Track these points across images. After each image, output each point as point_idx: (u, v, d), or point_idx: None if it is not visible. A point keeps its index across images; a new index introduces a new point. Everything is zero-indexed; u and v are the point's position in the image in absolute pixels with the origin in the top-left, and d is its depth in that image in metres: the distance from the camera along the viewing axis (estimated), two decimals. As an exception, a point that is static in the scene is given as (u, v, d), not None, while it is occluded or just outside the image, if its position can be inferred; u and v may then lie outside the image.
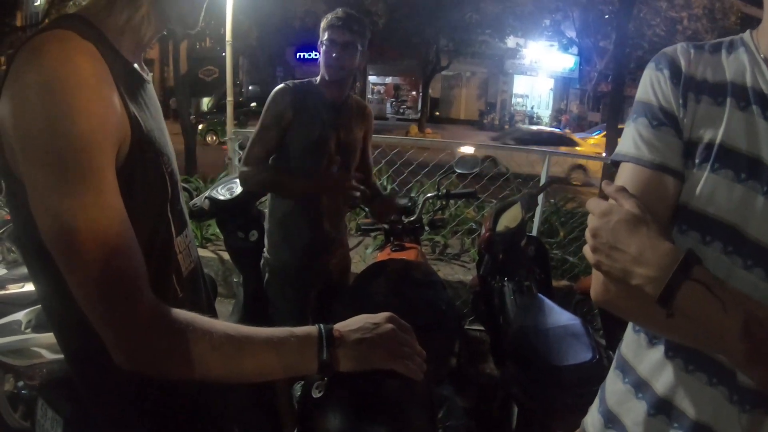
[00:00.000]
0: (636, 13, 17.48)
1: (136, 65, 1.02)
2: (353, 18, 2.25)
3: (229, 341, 0.90)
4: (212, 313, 1.36)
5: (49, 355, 2.39)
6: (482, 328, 3.65)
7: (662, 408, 0.90)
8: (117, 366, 0.87)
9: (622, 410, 0.98)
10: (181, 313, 0.89)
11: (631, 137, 0.92)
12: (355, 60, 2.27)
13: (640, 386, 0.95)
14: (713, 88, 0.87)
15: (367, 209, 2.85)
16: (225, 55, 6.46)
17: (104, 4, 0.94)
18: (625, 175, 0.90)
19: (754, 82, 0.85)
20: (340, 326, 0.96)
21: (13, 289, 3.11)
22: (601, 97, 27.01)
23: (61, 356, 2.38)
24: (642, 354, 0.96)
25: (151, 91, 1.07)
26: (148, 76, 1.07)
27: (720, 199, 0.83)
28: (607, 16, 19.23)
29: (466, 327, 3.98)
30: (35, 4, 26.12)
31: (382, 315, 0.99)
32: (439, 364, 1.89)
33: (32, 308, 2.67)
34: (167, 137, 1.07)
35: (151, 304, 0.86)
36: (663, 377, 0.91)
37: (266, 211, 2.51)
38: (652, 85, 0.92)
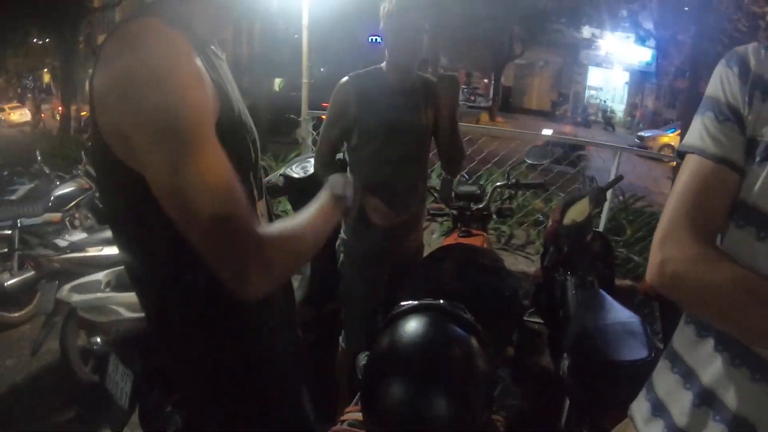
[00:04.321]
0: (717, 5, 16.59)
1: (217, 47, 1.12)
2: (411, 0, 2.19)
3: (310, 226, 1.13)
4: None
5: (126, 313, 2.53)
6: (541, 320, 3.65)
7: (707, 399, 0.93)
8: (193, 324, 0.99)
9: (670, 399, 1.01)
10: (275, 227, 1.06)
11: (698, 130, 0.94)
12: (421, 42, 2.23)
13: (688, 376, 0.98)
14: None
15: (436, 194, 2.89)
16: (297, 37, 6.59)
17: None
18: (689, 166, 0.93)
19: None
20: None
21: (92, 252, 3.31)
22: (678, 94, 25.91)
23: (136, 315, 2.52)
24: (692, 346, 0.99)
25: (227, 69, 1.15)
26: (223, 55, 1.16)
27: None
28: (686, 9, 18.27)
29: (525, 319, 3.99)
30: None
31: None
32: (501, 346, 1.92)
33: (112, 269, 2.84)
34: (246, 110, 1.16)
35: (260, 231, 0.97)
36: (710, 369, 0.93)
37: None
38: (721, 81, 0.94)
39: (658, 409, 1.03)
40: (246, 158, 1.10)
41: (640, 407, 1.10)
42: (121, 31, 0.93)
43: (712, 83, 0.95)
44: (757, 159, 0.88)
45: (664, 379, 1.05)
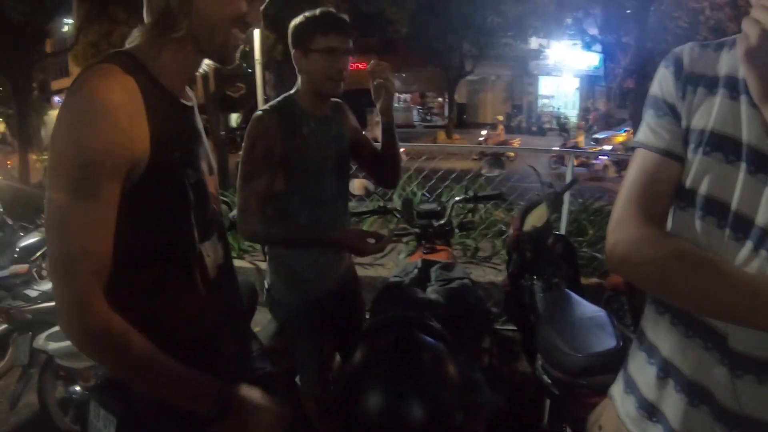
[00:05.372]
0: (657, 6, 17.13)
1: (184, 93, 1.17)
2: (344, 20, 1.99)
3: (151, 359, 1.04)
4: (241, 317, 1.51)
5: None
6: (514, 327, 3.71)
7: (667, 370, 1.01)
8: None
9: (638, 375, 1.09)
10: (126, 325, 1.01)
11: (643, 126, 1.05)
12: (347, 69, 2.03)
13: (651, 351, 1.06)
14: (709, 82, 0.98)
15: (398, 215, 2.92)
16: (251, 71, 6.63)
17: (152, 43, 1.10)
18: (637, 159, 1.03)
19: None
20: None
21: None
22: (628, 94, 26.58)
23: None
24: (653, 323, 1.07)
25: (192, 115, 1.21)
26: (191, 103, 1.21)
27: (711, 178, 0.94)
28: (629, 11, 18.85)
29: (499, 327, 4.06)
30: (62, 30, 27.05)
31: None
32: (470, 351, 1.98)
33: None
34: (204, 154, 1.22)
35: (98, 304, 0.99)
36: (668, 342, 1.02)
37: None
38: (659, 80, 1.04)
39: (630, 386, 1.10)
40: (181, 201, 1.12)
41: (618, 386, 1.17)
42: (84, 72, 1.02)
43: (653, 83, 1.05)
44: (692, 146, 0.97)
45: (633, 357, 1.13)
